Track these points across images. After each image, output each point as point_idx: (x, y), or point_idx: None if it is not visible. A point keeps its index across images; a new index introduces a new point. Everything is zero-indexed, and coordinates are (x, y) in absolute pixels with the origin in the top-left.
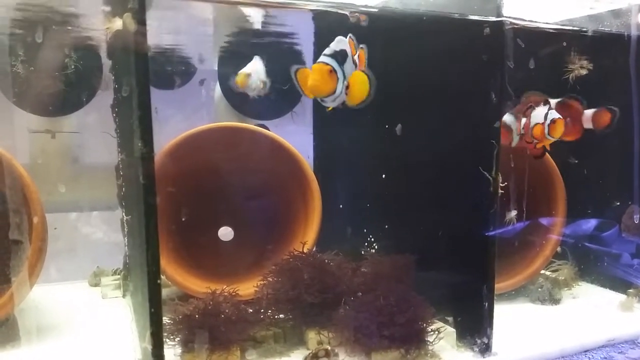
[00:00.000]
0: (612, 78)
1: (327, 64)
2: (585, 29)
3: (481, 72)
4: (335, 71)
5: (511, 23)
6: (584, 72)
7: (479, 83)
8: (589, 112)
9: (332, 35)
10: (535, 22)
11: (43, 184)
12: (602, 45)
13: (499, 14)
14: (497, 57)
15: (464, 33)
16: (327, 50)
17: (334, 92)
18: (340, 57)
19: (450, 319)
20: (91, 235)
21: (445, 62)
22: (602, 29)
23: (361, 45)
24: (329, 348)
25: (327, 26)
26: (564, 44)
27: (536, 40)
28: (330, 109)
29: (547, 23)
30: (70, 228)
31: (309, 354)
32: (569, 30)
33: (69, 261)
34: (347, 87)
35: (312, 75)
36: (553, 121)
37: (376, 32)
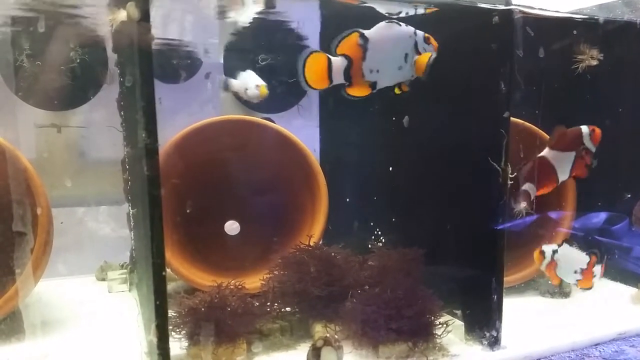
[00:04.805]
0: (623, 68)
1: None
2: (596, 17)
3: (490, 61)
4: None
5: (520, 11)
6: (594, 62)
7: (488, 72)
8: None
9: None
10: (545, 10)
11: (49, 179)
12: (613, 34)
13: (508, 2)
14: (507, 46)
15: (473, 21)
16: None
17: None
18: None
19: (458, 312)
20: (98, 230)
21: (454, 51)
22: (613, 17)
23: None
24: (328, 336)
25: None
26: (574, 32)
27: (546, 29)
28: None
29: (557, 11)
30: (77, 222)
31: (310, 347)
32: (579, 18)
33: (76, 255)
34: None
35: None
36: None
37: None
